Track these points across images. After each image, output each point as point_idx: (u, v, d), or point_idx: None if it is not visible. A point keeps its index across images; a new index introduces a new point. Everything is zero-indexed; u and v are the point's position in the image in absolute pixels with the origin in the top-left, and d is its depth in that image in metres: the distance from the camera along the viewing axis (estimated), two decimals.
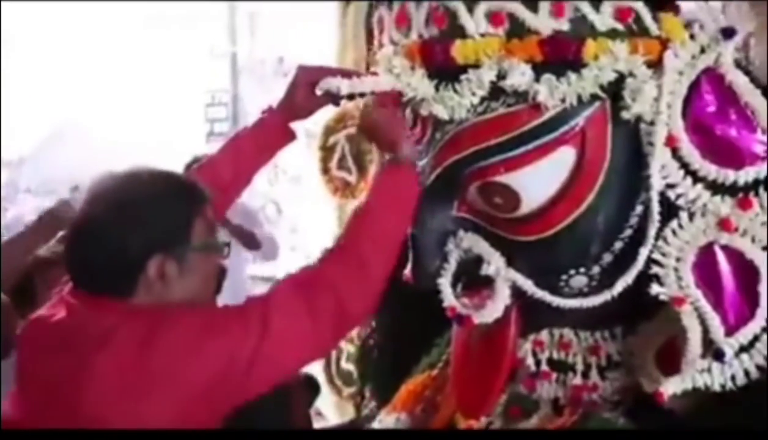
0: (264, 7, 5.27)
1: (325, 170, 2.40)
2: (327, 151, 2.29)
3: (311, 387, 2.94)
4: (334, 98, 1.27)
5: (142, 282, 1.13)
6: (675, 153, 1.12)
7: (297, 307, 1.11)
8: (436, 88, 1.14)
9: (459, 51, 1.10)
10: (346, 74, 1.26)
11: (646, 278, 1.14)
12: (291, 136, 1.37)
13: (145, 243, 1.12)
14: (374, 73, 1.21)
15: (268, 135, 1.36)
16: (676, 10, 1.14)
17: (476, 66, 1.10)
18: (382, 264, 1.16)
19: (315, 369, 2.63)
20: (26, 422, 1.12)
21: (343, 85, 1.22)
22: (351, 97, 1.24)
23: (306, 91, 1.29)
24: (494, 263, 1.17)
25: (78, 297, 1.15)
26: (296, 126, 1.38)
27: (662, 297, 1.14)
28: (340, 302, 1.12)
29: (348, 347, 2.41)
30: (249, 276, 3.68)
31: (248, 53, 5.56)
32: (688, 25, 1.13)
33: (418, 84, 1.14)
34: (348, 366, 2.45)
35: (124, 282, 1.13)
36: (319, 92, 1.27)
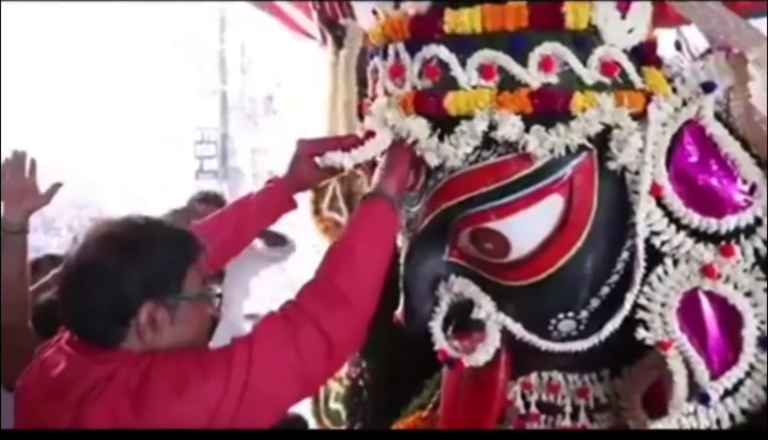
0: (254, 46, 5.33)
1: (317, 211, 2.43)
2: (318, 192, 2.32)
3: (299, 427, 2.92)
4: (336, 170, 1.31)
5: (134, 329, 1.13)
6: (659, 201, 1.16)
7: (281, 343, 1.12)
8: (431, 133, 1.17)
9: (451, 102, 1.14)
10: (344, 144, 1.29)
11: (632, 323, 1.17)
12: (293, 205, 1.44)
13: (139, 289, 1.13)
14: (370, 133, 1.24)
15: (272, 202, 1.42)
16: (658, 64, 1.19)
17: (468, 117, 1.14)
18: (363, 295, 1.16)
19: (304, 408, 2.62)
20: None
21: (345, 160, 1.26)
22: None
23: (308, 165, 1.34)
24: (485, 307, 1.19)
25: (73, 345, 1.16)
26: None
27: (648, 341, 1.17)
28: (324, 335, 1.12)
29: (336, 387, 2.41)
30: (245, 314, 3.68)
31: (238, 91, 5.61)
32: (670, 79, 1.18)
33: (413, 127, 1.18)
34: (336, 405, 2.45)
35: (116, 328, 1.13)
36: (321, 166, 1.30)
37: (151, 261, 1.15)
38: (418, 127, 1.17)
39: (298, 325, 1.12)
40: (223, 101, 5.65)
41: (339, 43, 2.40)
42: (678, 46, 1.24)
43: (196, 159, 5.57)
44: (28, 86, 5.15)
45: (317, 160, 1.31)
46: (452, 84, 1.15)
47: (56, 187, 1.78)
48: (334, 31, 2.41)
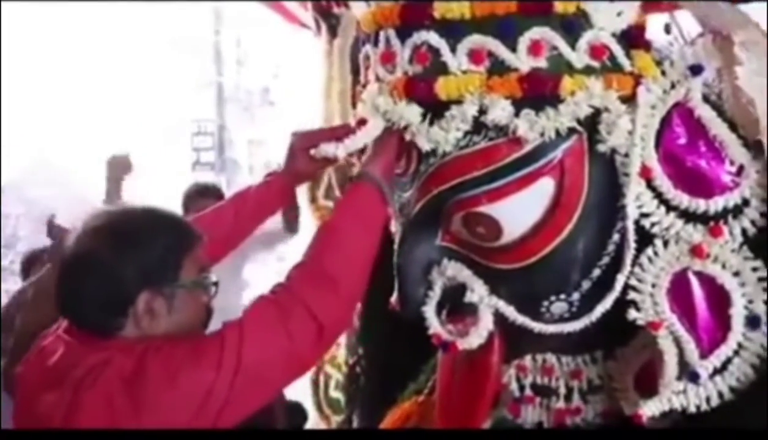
0: (250, 38, 5.33)
1: (313, 199, 2.44)
2: (314, 180, 2.33)
3: (298, 414, 2.94)
4: (331, 161, 1.32)
5: (131, 317, 1.14)
6: (649, 183, 1.17)
7: (271, 326, 1.13)
8: (422, 118, 1.18)
9: (442, 87, 1.15)
10: (337, 134, 1.30)
11: (623, 304, 1.19)
12: (292, 199, 1.46)
13: (136, 278, 1.14)
14: (362, 122, 1.25)
15: (271, 195, 1.43)
16: (647, 48, 1.20)
17: (459, 102, 1.15)
18: (351, 277, 1.17)
19: (304, 396, 2.64)
20: None
21: (339, 150, 1.27)
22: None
23: (303, 157, 1.35)
24: (477, 291, 1.20)
25: (71, 334, 1.18)
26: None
27: (639, 322, 1.18)
28: (314, 317, 1.13)
29: (336, 375, 2.43)
30: (243, 305, 3.68)
31: (234, 83, 5.62)
32: (659, 62, 1.19)
33: (404, 112, 1.19)
34: (336, 393, 2.47)
35: (113, 317, 1.14)
36: (317, 158, 1.32)
37: (147, 250, 1.16)
38: (410, 113, 1.18)
39: (287, 308, 1.13)
40: (220, 93, 5.66)
41: (333, 33, 2.41)
42: (667, 30, 1.25)
43: (193, 151, 5.58)
44: (22, 79, 5.15)
45: (312, 151, 1.32)
46: (443, 69, 1.16)
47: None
48: (329, 20, 2.42)
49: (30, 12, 5.13)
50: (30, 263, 2.92)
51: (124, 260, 1.15)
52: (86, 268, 1.16)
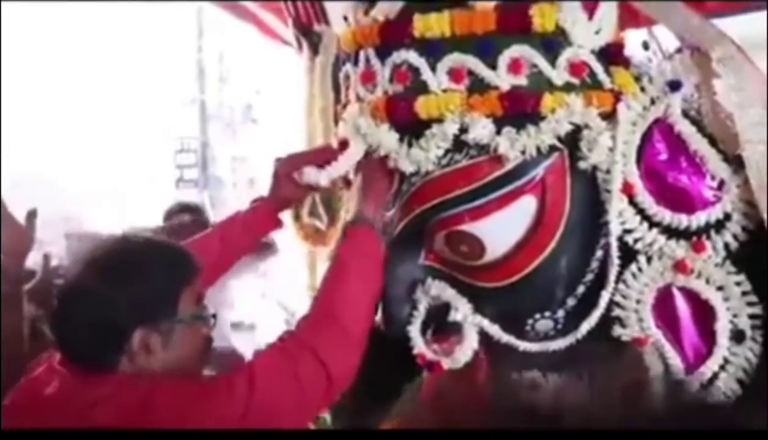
0: (232, 55, 5.33)
1: (297, 217, 2.42)
2: None
3: None
4: (315, 187, 1.32)
5: (127, 353, 1.11)
6: (631, 199, 1.17)
7: (281, 375, 1.12)
8: (401, 141, 1.18)
9: (422, 106, 1.15)
10: (320, 159, 1.29)
11: (609, 320, 1.18)
12: (278, 224, 1.44)
13: (131, 314, 1.11)
14: (344, 143, 1.25)
15: (257, 221, 1.42)
16: (626, 64, 1.20)
17: (439, 120, 1.14)
18: (359, 323, 1.17)
19: None
20: None
21: (321, 178, 1.27)
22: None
23: (287, 183, 1.34)
24: (461, 309, 1.20)
25: (65, 366, 1.15)
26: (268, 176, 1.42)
27: (625, 338, 1.18)
28: (323, 365, 1.13)
29: None
30: (231, 323, 3.66)
31: (217, 100, 5.61)
32: (638, 78, 1.19)
33: (383, 139, 1.18)
34: (322, 413, 2.44)
35: (107, 353, 1.11)
36: (301, 184, 1.31)
37: (144, 285, 1.14)
38: (389, 139, 1.18)
39: (297, 356, 1.13)
40: (202, 110, 5.65)
41: (315, 50, 2.40)
42: (646, 46, 1.26)
43: (177, 168, 5.56)
44: (7, 95, 5.11)
45: (296, 177, 1.31)
46: (423, 88, 1.16)
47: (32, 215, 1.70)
48: (310, 37, 2.41)
49: (16, 30, 5.10)
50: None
51: (120, 295, 1.11)
52: (81, 301, 1.13)
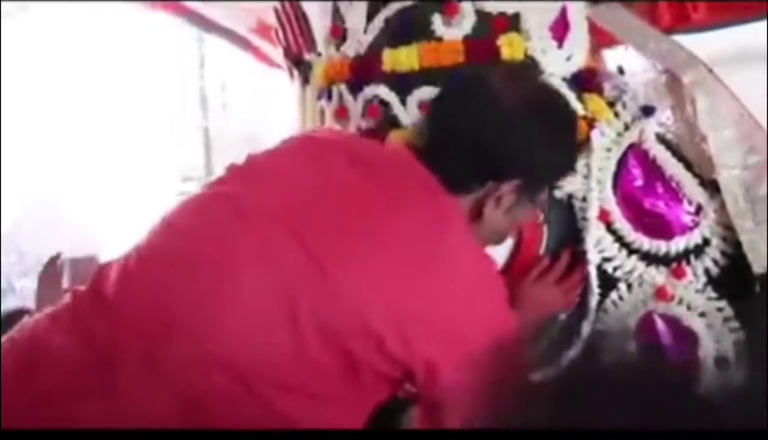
0: (234, 82, 5.37)
1: None
2: None
3: None
4: None
5: (484, 190, 0.97)
6: (609, 227, 1.16)
7: None
8: None
9: (394, 141, 1.14)
10: None
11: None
12: None
13: (532, 164, 0.97)
14: None
15: None
16: (599, 91, 1.19)
17: None
18: None
19: None
20: None
21: None
22: None
23: None
24: None
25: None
26: None
27: None
28: None
29: None
30: None
31: (220, 127, 5.64)
32: (611, 104, 1.18)
33: None
34: None
35: (474, 176, 0.97)
36: None
37: (565, 151, 1.03)
38: None
39: None
40: (206, 137, 5.67)
41: (306, 80, 2.41)
42: (621, 71, 1.25)
43: (180, 197, 5.59)
44: (10, 128, 5.17)
45: None
46: (394, 123, 1.15)
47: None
48: (300, 67, 2.42)
49: (18, 60, 5.17)
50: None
51: (545, 139, 0.97)
52: (504, 123, 0.96)
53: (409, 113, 1.15)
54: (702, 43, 1.68)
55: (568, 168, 1.08)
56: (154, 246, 0.97)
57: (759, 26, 1.62)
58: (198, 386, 0.87)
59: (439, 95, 1.04)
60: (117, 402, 0.87)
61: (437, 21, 1.13)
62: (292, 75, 2.55)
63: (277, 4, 1.91)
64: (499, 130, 0.95)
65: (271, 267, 0.88)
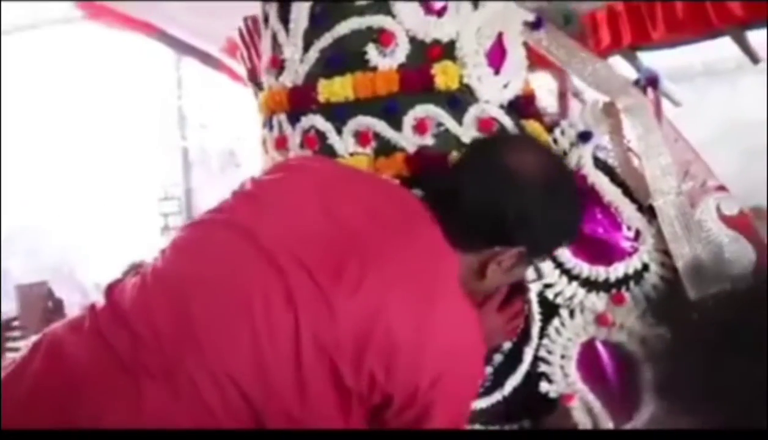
0: (212, 101, 5.36)
1: None
2: None
3: None
4: None
5: (490, 252, 1.01)
6: None
7: None
8: None
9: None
10: None
11: (535, 377, 1.16)
12: None
13: (539, 230, 1.00)
14: None
15: None
16: (538, 116, 1.19)
17: None
18: None
19: None
20: None
21: None
22: None
23: None
24: None
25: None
26: None
27: (552, 394, 1.15)
28: None
29: None
30: None
31: (199, 146, 5.62)
32: (550, 129, 1.18)
33: None
34: None
35: (486, 238, 1.01)
36: None
37: (568, 218, 1.05)
38: None
39: None
40: (185, 157, 5.65)
41: None
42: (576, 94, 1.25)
43: (161, 216, 5.54)
44: None
45: None
46: (331, 152, 1.15)
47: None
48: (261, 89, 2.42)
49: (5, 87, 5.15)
50: None
51: (554, 207, 1.01)
52: (524, 190, 0.99)
53: (345, 143, 1.14)
54: (667, 59, 1.70)
55: (571, 240, 1.11)
56: (169, 266, 0.99)
57: (722, 42, 1.64)
58: (214, 402, 0.89)
59: (460, 160, 1.06)
60: (142, 405, 0.89)
61: (372, 50, 1.13)
62: (256, 95, 2.55)
63: (242, 26, 1.92)
64: (515, 203, 0.99)
65: (279, 296, 0.91)
